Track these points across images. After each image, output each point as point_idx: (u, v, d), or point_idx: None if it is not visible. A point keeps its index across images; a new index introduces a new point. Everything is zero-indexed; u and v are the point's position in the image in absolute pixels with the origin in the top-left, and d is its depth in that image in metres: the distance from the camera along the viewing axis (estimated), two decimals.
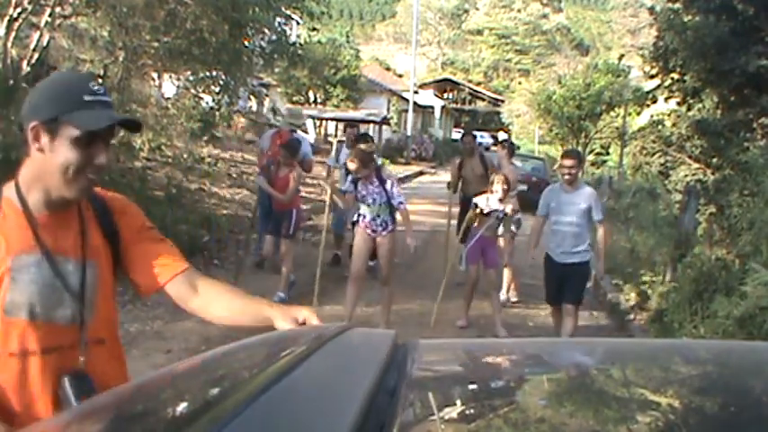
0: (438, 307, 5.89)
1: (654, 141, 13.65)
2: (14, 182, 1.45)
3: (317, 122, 25.73)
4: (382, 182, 5.41)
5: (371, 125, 23.63)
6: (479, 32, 74.96)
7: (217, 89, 9.84)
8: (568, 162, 5.14)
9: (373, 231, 5.50)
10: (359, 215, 5.61)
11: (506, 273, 7.11)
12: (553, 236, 5.25)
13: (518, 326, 6.12)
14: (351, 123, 8.18)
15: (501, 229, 6.57)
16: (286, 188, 6.29)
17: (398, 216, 5.60)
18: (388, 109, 30.28)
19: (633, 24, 60.02)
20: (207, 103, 10.80)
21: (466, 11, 76.70)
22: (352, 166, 5.39)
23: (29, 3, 7.27)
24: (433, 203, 11.99)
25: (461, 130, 28.85)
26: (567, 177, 5.12)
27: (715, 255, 6.34)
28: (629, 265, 7.49)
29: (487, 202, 5.93)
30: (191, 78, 9.88)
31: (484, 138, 35.52)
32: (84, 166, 1.40)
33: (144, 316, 5.39)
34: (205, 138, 12.27)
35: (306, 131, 8.42)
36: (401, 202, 5.46)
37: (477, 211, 5.94)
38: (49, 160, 1.39)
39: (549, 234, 5.31)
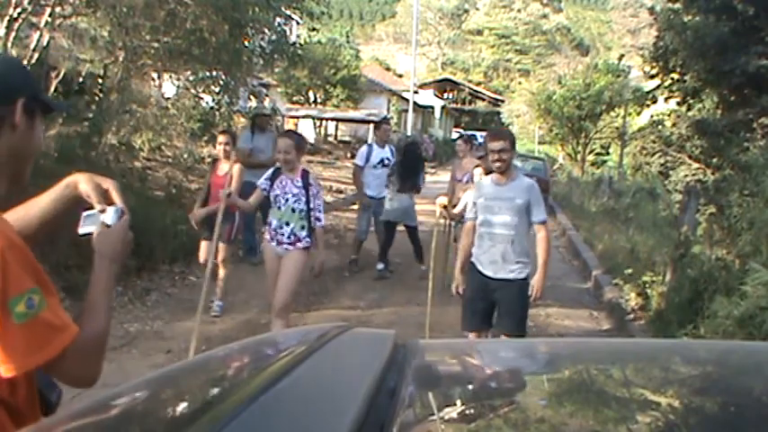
0: (432, 312, 5.31)
1: (654, 141, 13.66)
2: None
3: (317, 122, 25.74)
4: (306, 185, 4.41)
5: (371, 125, 23.64)
6: (479, 32, 74.98)
7: (217, 89, 9.85)
8: (497, 144, 3.90)
9: (278, 243, 4.42)
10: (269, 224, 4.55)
11: None
12: (480, 241, 4.04)
13: None
14: (379, 123, 8.00)
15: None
16: (225, 187, 5.16)
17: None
18: (388, 109, 30.29)
19: (633, 24, 60.01)
20: (207, 103, 10.80)
21: (466, 11, 76.71)
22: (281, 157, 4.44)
23: (29, 3, 7.26)
24: (432, 203, 11.96)
25: (461, 131, 28.77)
26: (496, 165, 3.92)
27: (715, 255, 6.34)
28: (629, 265, 7.48)
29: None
30: (191, 78, 9.88)
31: (477, 138, 35.45)
32: None
33: (144, 316, 5.39)
34: (205, 138, 12.26)
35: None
36: (319, 219, 4.42)
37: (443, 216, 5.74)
38: (24, 145, 1.24)
39: (476, 241, 4.12)
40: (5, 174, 1.23)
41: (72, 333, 1.14)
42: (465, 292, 4.12)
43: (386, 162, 7.38)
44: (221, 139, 5.71)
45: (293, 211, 4.37)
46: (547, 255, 4.03)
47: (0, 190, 1.25)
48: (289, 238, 4.39)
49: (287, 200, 4.38)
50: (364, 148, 7.60)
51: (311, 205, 4.39)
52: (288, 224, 4.38)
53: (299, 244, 4.40)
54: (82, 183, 1.38)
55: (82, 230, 1.36)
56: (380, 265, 7.36)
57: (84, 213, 1.36)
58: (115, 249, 1.32)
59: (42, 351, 1.11)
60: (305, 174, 4.47)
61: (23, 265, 1.11)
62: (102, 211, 1.34)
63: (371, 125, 23.66)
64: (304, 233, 4.40)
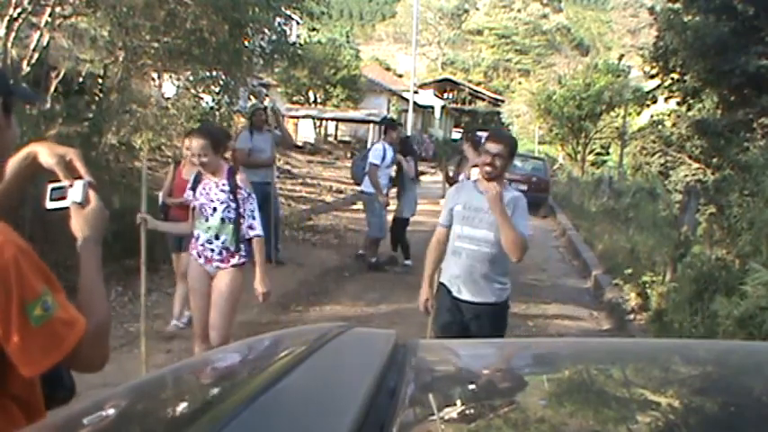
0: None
1: (654, 141, 13.66)
2: None
3: (317, 122, 25.74)
4: (233, 188, 3.63)
5: (371, 125, 23.64)
6: (479, 32, 74.96)
7: (217, 89, 9.84)
8: (494, 147, 3.34)
9: (207, 261, 3.70)
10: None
11: None
12: (455, 257, 3.41)
13: (518, 326, 6.12)
14: (392, 125, 8.01)
15: None
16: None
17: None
18: (388, 109, 30.29)
19: (633, 24, 60.03)
20: (207, 103, 10.79)
21: (466, 11, 76.70)
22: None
23: (29, 3, 7.26)
24: (433, 203, 11.99)
25: (461, 130, 28.72)
26: (487, 169, 3.33)
27: (715, 255, 6.34)
28: (629, 265, 7.48)
29: None
30: (191, 78, 9.88)
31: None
32: None
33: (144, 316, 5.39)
34: None
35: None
36: (252, 227, 3.65)
37: None
38: (6, 138, 1.23)
39: (448, 256, 3.50)
40: None
41: (82, 325, 1.18)
42: (436, 317, 3.59)
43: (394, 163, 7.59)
44: (189, 143, 4.62)
45: (223, 221, 3.62)
46: (513, 229, 3.24)
47: None
48: (220, 254, 3.65)
49: (214, 209, 3.63)
50: (380, 147, 7.54)
51: (241, 211, 3.62)
52: (218, 237, 3.64)
53: (232, 260, 3.67)
54: (43, 154, 1.33)
55: (50, 206, 1.32)
56: (408, 261, 7.64)
57: (50, 186, 1.31)
58: (96, 229, 1.31)
59: (59, 348, 1.15)
60: (230, 174, 3.67)
61: (34, 269, 1.14)
62: (71, 186, 1.31)
63: (375, 126, 23.73)
64: (235, 246, 3.65)
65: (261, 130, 7.30)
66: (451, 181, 6.34)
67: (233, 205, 3.62)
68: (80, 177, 1.33)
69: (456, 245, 3.43)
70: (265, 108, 8.31)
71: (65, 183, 1.31)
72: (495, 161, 3.34)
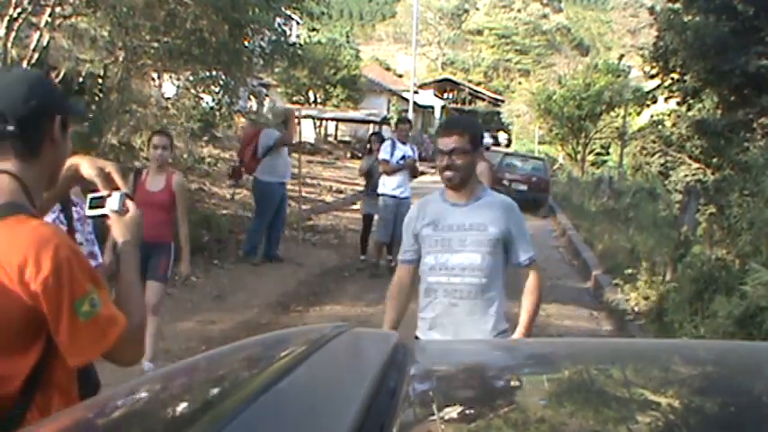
0: None
1: (654, 141, 13.66)
2: (20, 186, 1.30)
3: (317, 122, 25.75)
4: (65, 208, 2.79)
5: (371, 125, 23.65)
6: (479, 32, 74.97)
7: (217, 89, 9.84)
8: (450, 141, 2.47)
9: None
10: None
11: None
12: (429, 298, 2.55)
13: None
14: (402, 120, 7.96)
15: None
16: (161, 209, 4.20)
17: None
18: (388, 109, 30.30)
19: (633, 24, 60.02)
20: (207, 103, 10.80)
21: (466, 11, 76.71)
22: None
23: (29, 3, 7.26)
24: None
25: None
26: (447, 174, 2.48)
27: (715, 255, 6.34)
28: (629, 265, 7.48)
29: None
30: (191, 78, 9.88)
31: (484, 138, 35.43)
32: None
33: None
34: (205, 138, 12.26)
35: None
36: (93, 253, 3.09)
37: None
38: (60, 156, 1.38)
39: (420, 300, 2.61)
40: (45, 181, 1.38)
41: (122, 323, 1.30)
42: None
43: (406, 158, 7.29)
44: (158, 140, 4.33)
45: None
46: (535, 311, 2.59)
47: (42, 195, 1.39)
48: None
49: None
50: (387, 143, 7.37)
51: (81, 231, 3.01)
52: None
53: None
54: (84, 166, 1.49)
55: (90, 213, 1.47)
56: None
57: (90, 196, 1.45)
58: (134, 234, 1.46)
59: (102, 342, 1.28)
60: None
61: (83, 268, 1.28)
62: (109, 196, 1.44)
63: (375, 126, 23.72)
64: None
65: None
66: None
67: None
68: (118, 188, 1.47)
69: (429, 282, 2.52)
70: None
71: (104, 193, 1.45)
72: (455, 160, 2.46)
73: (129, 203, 1.45)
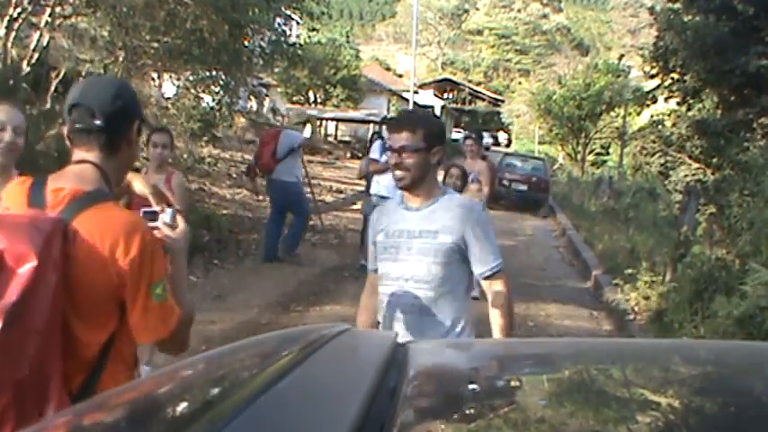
0: None
1: (654, 141, 13.67)
2: (102, 176, 1.50)
3: (317, 122, 25.74)
4: None
5: (371, 125, 23.64)
6: (479, 32, 75.00)
7: (217, 89, 9.85)
8: (399, 138, 2.23)
9: None
10: None
11: None
12: (384, 310, 2.31)
13: (518, 326, 6.11)
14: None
15: None
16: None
17: None
18: (388, 109, 30.29)
19: (633, 24, 60.08)
20: (207, 103, 10.80)
21: (466, 11, 76.75)
22: None
23: (29, 3, 7.26)
24: None
25: (461, 130, 28.52)
26: (396, 174, 2.25)
27: (715, 255, 6.34)
28: (629, 265, 7.48)
29: None
30: (191, 78, 9.89)
31: (484, 138, 35.46)
32: None
33: None
34: (205, 138, 12.26)
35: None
36: None
37: None
38: (131, 157, 1.61)
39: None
40: (116, 178, 1.58)
41: (179, 312, 1.52)
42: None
43: None
44: (159, 138, 4.21)
45: None
46: (506, 336, 2.25)
47: (114, 188, 1.57)
48: None
49: None
50: (378, 143, 7.26)
51: None
52: None
53: None
54: (137, 184, 1.74)
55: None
56: None
57: (143, 210, 1.64)
58: (182, 246, 1.64)
59: (167, 324, 1.49)
60: None
61: (160, 256, 1.50)
62: (162, 211, 1.64)
63: (375, 126, 23.72)
64: None
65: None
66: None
67: None
68: (170, 204, 1.69)
69: (380, 292, 2.32)
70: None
71: (156, 208, 1.66)
72: (405, 159, 2.20)
73: (179, 219, 1.64)
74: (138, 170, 4.70)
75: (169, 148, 4.32)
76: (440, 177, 3.14)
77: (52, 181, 1.49)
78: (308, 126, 7.97)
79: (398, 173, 2.23)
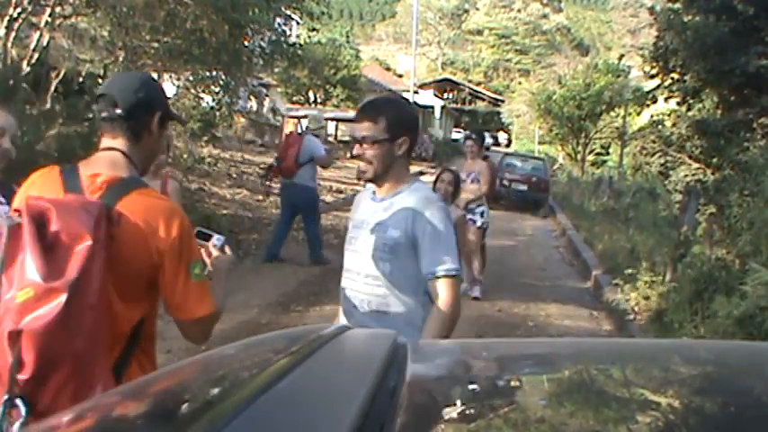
0: None
1: (654, 141, 13.67)
2: (130, 163, 1.62)
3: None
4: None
5: None
6: (479, 32, 75.02)
7: (217, 89, 9.85)
8: (361, 128, 2.11)
9: None
10: None
11: (476, 263, 6.79)
12: (343, 304, 2.22)
13: (518, 326, 6.12)
14: None
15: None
16: None
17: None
18: None
19: (633, 24, 60.09)
20: (207, 103, 10.80)
21: (466, 11, 76.76)
22: None
23: (29, 3, 7.26)
24: None
25: (461, 130, 28.54)
26: (360, 167, 2.16)
27: (715, 255, 6.34)
28: (629, 265, 7.48)
29: None
30: (191, 78, 9.88)
31: (485, 138, 35.51)
32: None
33: None
34: (205, 138, 12.27)
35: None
36: None
37: None
38: (155, 146, 1.71)
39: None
40: (141, 167, 1.67)
41: (213, 301, 1.65)
42: None
43: None
44: None
45: None
46: (435, 332, 2.01)
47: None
48: None
49: None
50: None
51: None
52: None
53: None
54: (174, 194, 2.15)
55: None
56: None
57: (198, 229, 1.81)
58: (226, 269, 1.84)
59: (203, 306, 1.62)
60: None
61: (194, 239, 1.66)
62: (214, 236, 1.84)
63: None
64: None
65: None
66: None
67: None
68: (221, 233, 1.87)
69: (343, 279, 2.23)
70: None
71: (210, 232, 1.85)
72: (366, 150, 2.07)
73: (228, 248, 1.84)
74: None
75: (165, 151, 4.11)
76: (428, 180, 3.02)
77: (84, 167, 1.60)
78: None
79: (361, 165, 2.11)
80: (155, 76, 10.63)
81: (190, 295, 1.60)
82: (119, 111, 1.60)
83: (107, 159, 1.61)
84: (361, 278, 2.12)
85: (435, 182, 5.16)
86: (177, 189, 4.29)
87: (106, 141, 1.64)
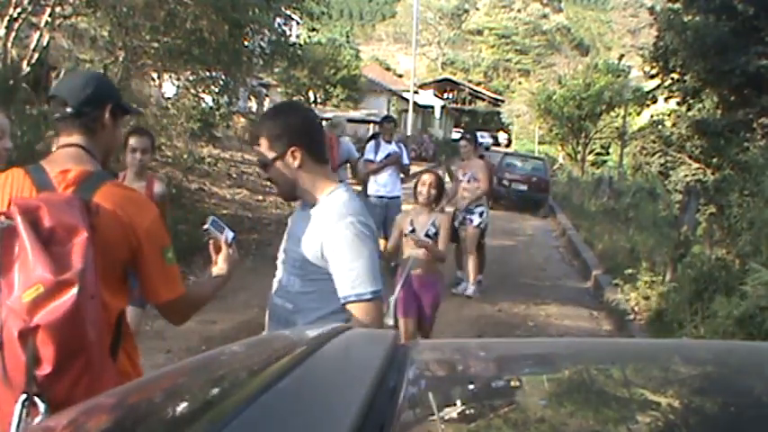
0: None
1: (654, 141, 13.67)
2: (91, 157, 1.67)
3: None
4: None
5: (371, 125, 23.64)
6: (479, 32, 75.03)
7: (217, 89, 9.85)
8: (256, 152, 2.02)
9: None
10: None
11: (471, 262, 6.79)
12: (267, 316, 2.13)
13: (518, 326, 6.12)
14: (387, 119, 7.76)
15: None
16: None
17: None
18: (388, 109, 30.29)
19: (633, 24, 60.10)
20: (207, 103, 10.80)
21: (466, 11, 76.77)
22: None
23: (29, 3, 7.27)
24: None
25: (461, 130, 28.67)
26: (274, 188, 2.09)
27: (715, 255, 6.34)
28: (629, 265, 7.48)
29: (411, 218, 4.34)
30: (191, 78, 9.89)
31: (484, 138, 35.56)
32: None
33: (144, 316, 5.38)
34: (205, 138, 12.27)
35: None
36: None
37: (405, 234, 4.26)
38: (111, 139, 1.77)
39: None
40: (100, 159, 1.71)
41: (183, 287, 1.75)
42: None
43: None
44: (137, 143, 3.71)
45: None
46: None
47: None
48: None
49: None
50: (371, 143, 7.25)
51: None
52: None
53: None
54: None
55: (206, 227, 1.94)
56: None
57: (213, 217, 1.88)
58: (231, 269, 1.97)
59: (176, 289, 1.71)
60: None
61: (163, 227, 1.73)
62: (226, 230, 1.94)
63: (374, 126, 23.73)
64: None
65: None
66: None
67: None
68: (232, 229, 1.96)
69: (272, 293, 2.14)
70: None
71: (224, 225, 1.93)
72: (268, 173, 1.99)
73: (234, 247, 1.92)
74: (116, 176, 4.56)
75: (150, 152, 3.87)
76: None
77: (49, 165, 1.64)
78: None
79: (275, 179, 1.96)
80: (155, 75, 10.66)
81: (168, 278, 1.69)
82: (69, 109, 1.65)
83: (70, 154, 1.65)
84: (278, 290, 2.03)
85: (416, 185, 4.51)
86: (163, 192, 4.03)
87: (64, 139, 1.69)
